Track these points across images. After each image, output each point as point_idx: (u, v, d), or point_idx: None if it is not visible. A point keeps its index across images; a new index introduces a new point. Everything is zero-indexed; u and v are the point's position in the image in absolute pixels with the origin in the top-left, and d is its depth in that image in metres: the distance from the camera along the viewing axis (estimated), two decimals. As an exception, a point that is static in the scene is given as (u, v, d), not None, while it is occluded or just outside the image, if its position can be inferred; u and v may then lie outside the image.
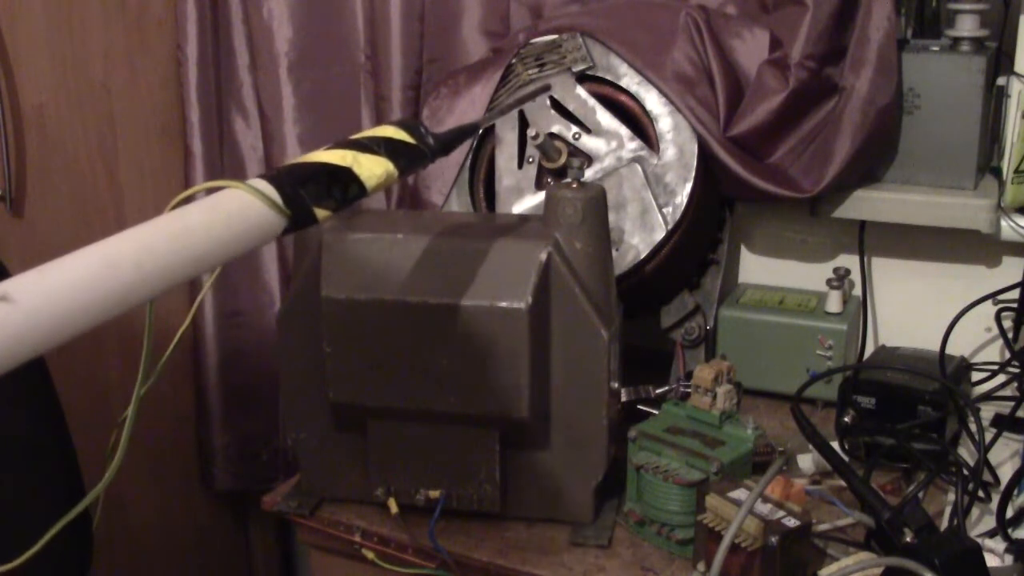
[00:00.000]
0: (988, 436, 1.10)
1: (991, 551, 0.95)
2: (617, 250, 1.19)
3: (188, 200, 0.70)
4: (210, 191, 0.70)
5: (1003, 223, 1.23)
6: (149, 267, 0.63)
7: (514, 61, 1.31)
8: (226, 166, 1.60)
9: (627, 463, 1.05)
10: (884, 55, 1.22)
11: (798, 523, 0.89)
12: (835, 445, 1.06)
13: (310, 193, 0.74)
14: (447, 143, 0.89)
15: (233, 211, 0.69)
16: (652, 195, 1.21)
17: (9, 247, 1.33)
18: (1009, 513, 0.96)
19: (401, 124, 0.85)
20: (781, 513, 0.90)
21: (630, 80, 1.25)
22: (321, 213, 0.75)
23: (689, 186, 1.21)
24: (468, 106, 1.31)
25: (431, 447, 1.04)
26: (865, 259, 1.36)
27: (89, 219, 1.47)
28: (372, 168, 0.79)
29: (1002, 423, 1.16)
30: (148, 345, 0.80)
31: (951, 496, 1.06)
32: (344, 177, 0.77)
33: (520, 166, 1.27)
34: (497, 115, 1.11)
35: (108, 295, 0.60)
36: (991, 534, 0.98)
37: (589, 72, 1.27)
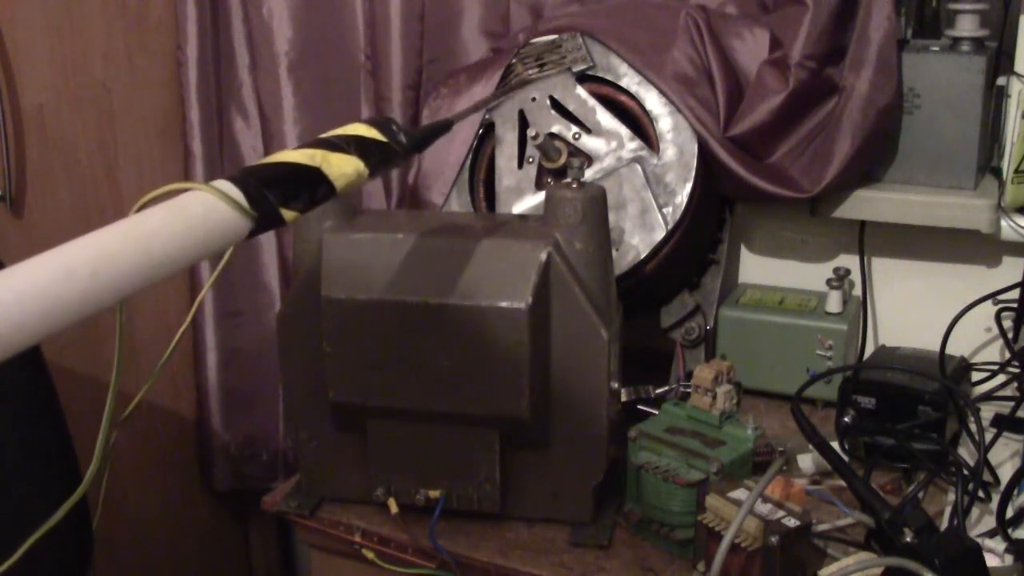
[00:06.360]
0: (988, 436, 1.10)
1: (991, 551, 0.95)
2: (617, 250, 1.19)
3: (154, 202, 0.68)
4: (175, 193, 0.69)
5: (1003, 223, 1.23)
6: (108, 273, 0.61)
7: (514, 61, 1.31)
8: (226, 166, 1.60)
9: (627, 463, 1.05)
10: (884, 55, 1.22)
11: (798, 523, 0.89)
12: (835, 445, 1.06)
13: (276, 194, 0.72)
14: (420, 141, 0.87)
15: (196, 214, 0.67)
16: (652, 195, 1.21)
17: (9, 247, 1.33)
18: (1009, 513, 0.96)
19: (372, 122, 0.84)
20: (781, 513, 0.90)
21: (630, 80, 1.25)
22: (288, 214, 0.73)
23: (689, 186, 1.21)
24: (468, 106, 1.31)
25: (431, 447, 1.04)
26: (865, 259, 1.36)
27: (89, 219, 1.47)
28: (342, 167, 0.78)
29: (1002, 423, 1.16)
30: (120, 348, 0.79)
31: (951, 496, 1.06)
32: (312, 177, 0.76)
33: (520, 166, 1.27)
34: (472, 111, 1.10)
35: (65, 303, 0.59)
36: (991, 534, 0.98)
37: (589, 72, 1.27)
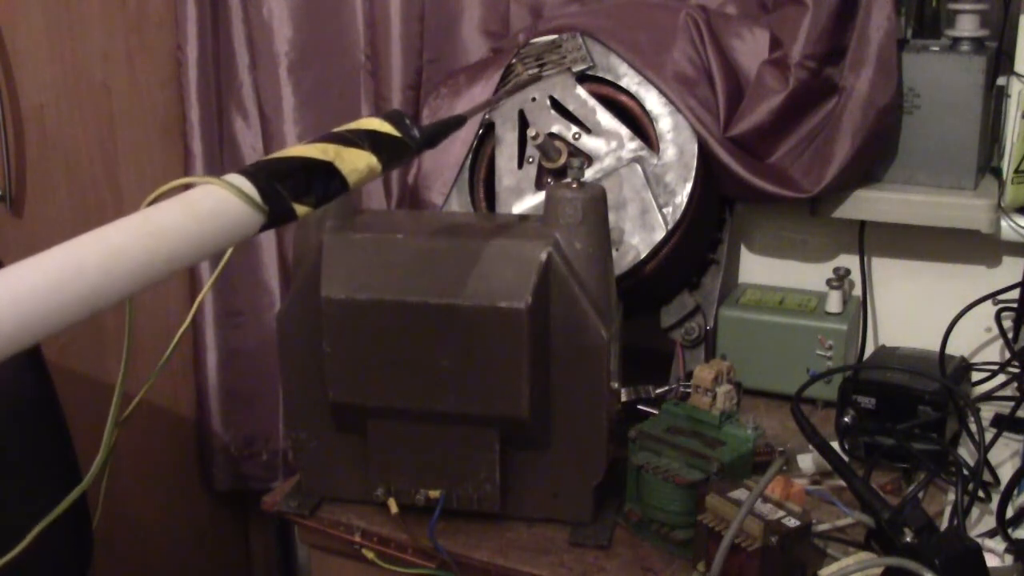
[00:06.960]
0: (988, 436, 1.10)
1: (991, 551, 0.95)
2: (617, 250, 1.19)
3: (165, 197, 0.67)
4: (186, 187, 0.68)
5: (1003, 223, 1.23)
6: (118, 269, 0.60)
7: (514, 61, 1.31)
8: (226, 166, 1.60)
9: (627, 463, 1.05)
10: (884, 55, 1.22)
11: (798, 523, 0.89)
12: (835, 445, 1.06)
13: (289, 188, 0.72)
14: (432, 136, 0.87)
15: (207, 208, 0.66)
16: (652, 195, 1.21)
17: (9, 247, 1.33)
18: (1009, 513, 0.96)
19: (386, 116, 0.83)
20: (781, 513, 0.90)
21: (630, 80, 1.25)
22: (301, 209, 0.73)
23: (689, 186, 1.21)
24: (468, 106, 1.31)
25: (431, 447, 1.04)
26: (865, 259, 1.36)
27: (89, 219, 1.46)
28: (354, 162, 0.77)
29: (1002, 423, 1.16)
30: (128, 344, 0.79)
31: (951, 496, 1.06)
32: (325, 172, 0.75)
33: (520, 166, 1.27)
34: (483, 107, 1.10)
35: (75, 298, 0.58)
36: (991, 534, 0.98)
37: (589, 72, 1.27)
